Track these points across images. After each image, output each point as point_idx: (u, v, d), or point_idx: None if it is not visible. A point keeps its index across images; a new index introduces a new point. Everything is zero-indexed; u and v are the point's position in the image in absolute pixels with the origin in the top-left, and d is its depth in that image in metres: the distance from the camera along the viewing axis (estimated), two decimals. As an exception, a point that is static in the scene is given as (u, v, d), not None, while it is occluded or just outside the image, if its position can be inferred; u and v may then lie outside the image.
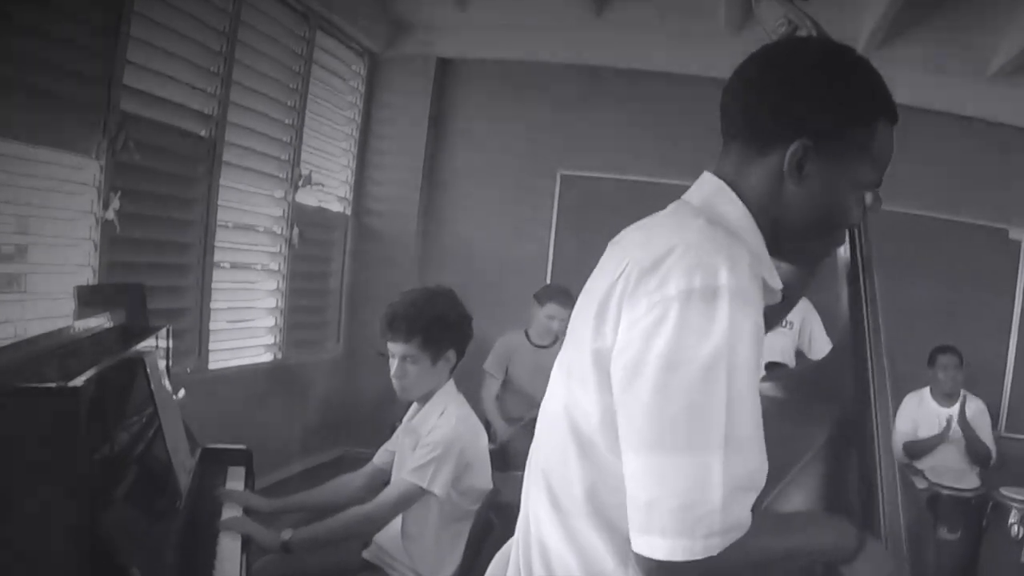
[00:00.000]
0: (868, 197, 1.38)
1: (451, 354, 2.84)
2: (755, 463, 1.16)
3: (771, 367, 1.75)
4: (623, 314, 1.19)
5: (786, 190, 1.32)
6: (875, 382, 1.50)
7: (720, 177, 1.36)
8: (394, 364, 2.81)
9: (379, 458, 3.07)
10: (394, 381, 2.83)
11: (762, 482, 1.17)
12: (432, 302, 2.82)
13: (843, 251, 1.60)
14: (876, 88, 1.33)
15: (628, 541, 1.21)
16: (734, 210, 1.32)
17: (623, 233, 1.37)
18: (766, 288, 1.26)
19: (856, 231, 1.58)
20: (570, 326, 1.39)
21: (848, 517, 1.37)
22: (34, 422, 1.69)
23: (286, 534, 2.56)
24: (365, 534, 2.85)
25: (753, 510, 1.15)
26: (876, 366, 1.51)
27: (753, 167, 1.33)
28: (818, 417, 1.51)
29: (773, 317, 1.49)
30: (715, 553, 1.12)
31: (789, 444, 1.36)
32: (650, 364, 1.14)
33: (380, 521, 2.74)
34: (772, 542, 1.24)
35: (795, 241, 1.36)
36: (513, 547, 1.46)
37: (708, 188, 1.36)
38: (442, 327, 2.80)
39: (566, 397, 1.32)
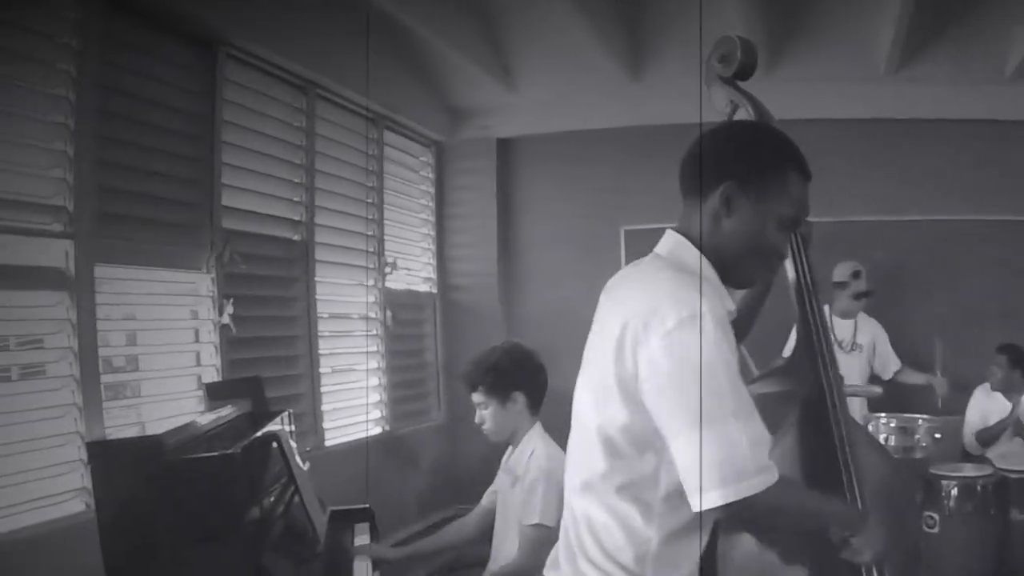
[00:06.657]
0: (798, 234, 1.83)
1: (517, 396, 3.19)
2: (758, 423, 1.59)
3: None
4: (640, 351, 1.62)
5: (722, 224, 1.75)
6: (827, 371, 1.93)
7: (678, 231, 1.81)
8: (477, 413, 3.24)
9: (486, 499, 3.43)
10: (482, 428, 3.25)
11: (768, 437, 1.60)
12: (488, 356, 3.22)
13: (791, 277, 2.04)
14: (786, 147, 1.78)
15: (650, 507, 1.66)
16: (691, 256, 1.76)
17: (612, 283, 1.84)
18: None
19: (799, 263, 2.02)
20: (586, 362, 1.82)
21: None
22: (201, 484, 2.14)
23: None
24: None
25: None
26: (825, 359, 1.94)
27: (697, 213, 1.76)
28: (789, 399, 1.92)
29: (742, 328, 1.94)
30: (757, 491, 1.53)
31: (772, 423, 1.76)
32: (674, 375, 1.58)
33: (527, 572, 2.93)
34: (799, 495, 1.72)
35: (737, 268, 1.78)
36: (562, 533, 1.87)
37: (671, 242, 1.81)
38: (497, 374, 3.17)
39: (599, 417, 1.73)
